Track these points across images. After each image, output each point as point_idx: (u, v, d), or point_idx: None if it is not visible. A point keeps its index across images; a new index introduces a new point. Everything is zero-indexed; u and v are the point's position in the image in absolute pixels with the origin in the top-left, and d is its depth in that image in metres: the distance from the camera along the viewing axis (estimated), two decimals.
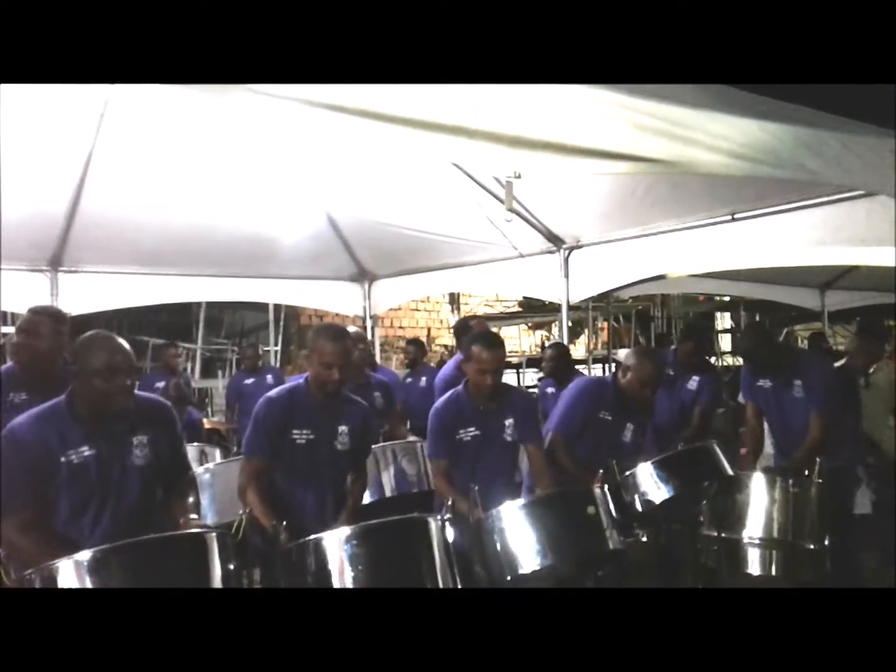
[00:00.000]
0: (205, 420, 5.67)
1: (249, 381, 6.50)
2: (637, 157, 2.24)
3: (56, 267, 5.43)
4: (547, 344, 9.27)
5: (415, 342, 7.18)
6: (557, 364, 5.47)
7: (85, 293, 5.50)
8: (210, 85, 1.93)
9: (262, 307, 10.00)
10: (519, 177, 2.40)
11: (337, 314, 7.58)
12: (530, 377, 10.25)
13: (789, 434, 3.95)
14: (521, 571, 2.61)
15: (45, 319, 3.11)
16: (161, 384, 6.15)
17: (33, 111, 3.65)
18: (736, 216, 4.46)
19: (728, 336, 12.93)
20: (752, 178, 3.19)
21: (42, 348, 3.04)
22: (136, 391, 2.57)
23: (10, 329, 8.05)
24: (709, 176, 3.55)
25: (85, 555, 1.94)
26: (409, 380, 6.53)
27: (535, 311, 11.95)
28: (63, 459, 2.33)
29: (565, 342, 5.91)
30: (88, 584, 1.91)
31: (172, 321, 9.89)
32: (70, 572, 1.92)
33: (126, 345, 2.45)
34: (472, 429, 3.21)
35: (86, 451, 2.36)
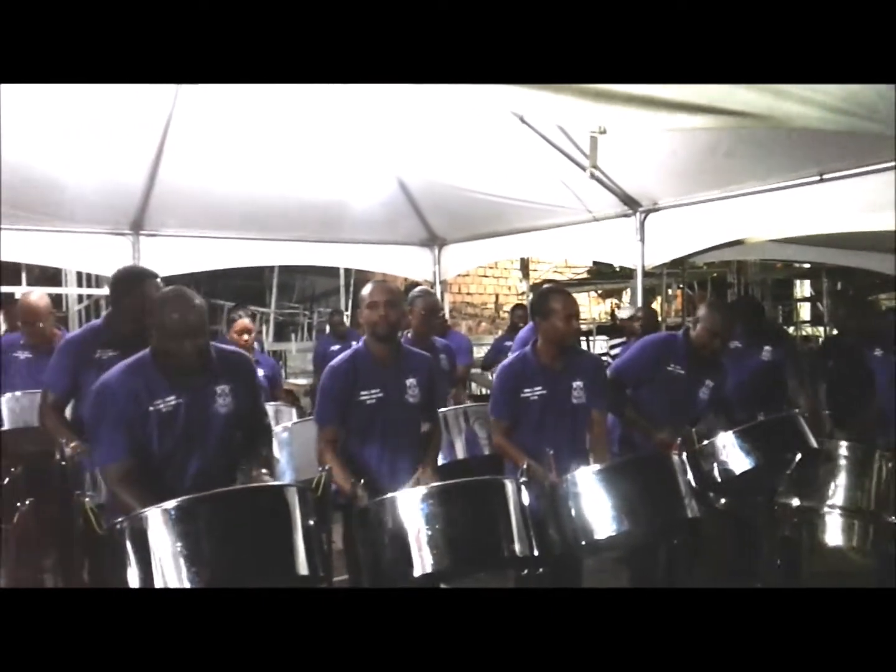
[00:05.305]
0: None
1: (336, 347, 6.60)
2: (727, 110, 2.15)
3: (137, 230, 5.58)
4: (620, 309, 9.15)
5: (521, 307, 7.30)
6: (647, 325, 5.42)
7: (164, 256, 5.63)
8: None
9: (333, 272, 10.12)
10: (604, 132, 2.32)
11: (406, 279, 7.60)
12: (600, 345, 10.11)
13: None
14: (596, 537, 2.59)
15: (144, 279, 3.15)
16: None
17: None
18: (824, 177, 4.26)
19: (808, 305, 12.48)
20: (840, 136, 3.03)
21: (137, 308, 3.09)
22: (214, 343, 2.64)
23: (93, 290, 8.38)
24: (797, 133, 3.40)
25: (171, 504, 1.99)
26: (506, 343, 6.60)
27: (604, 277, 11.74)
28: (151, 409, 2.40)
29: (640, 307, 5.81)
30: (175, 533, 1.96)
31: (247, 285, 10.11)
32: (158, 521, 1.98)
33: (198, 301, 2.47)
34: (538, 388, 3.17)
35: (172, 399, 2.43)
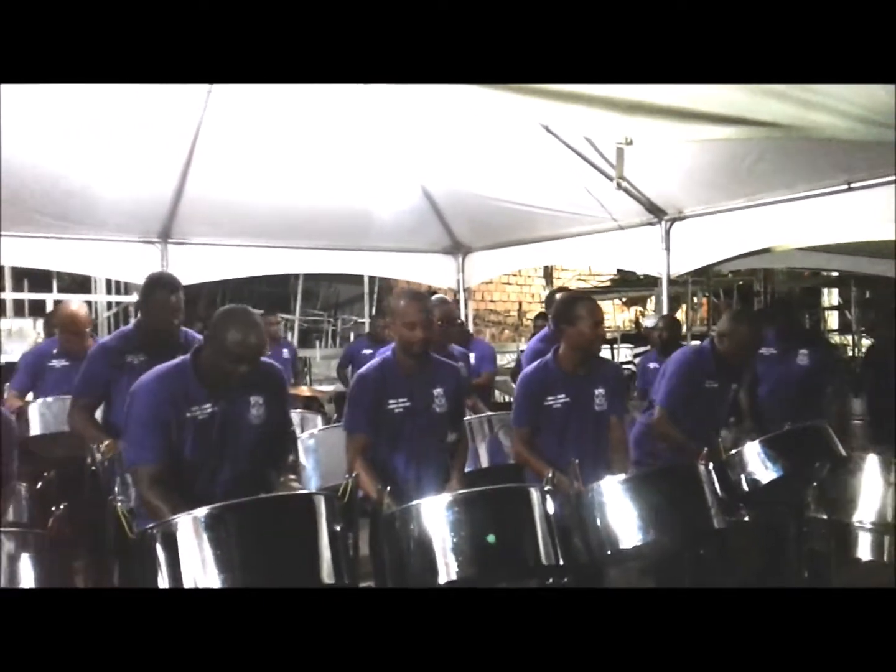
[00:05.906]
0: (304, 388, 5.83)
1: (368, 351, 6.60)
2: (755, 121, 2.15)
3: (166, 239, 5.67)
4: (644, 316, 9.12)
5: (544, 315, 7.26)
6: (670, 335, 5.38)
7: (192, 264, 5.72)
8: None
9: (358, 280, 10.18)
10: (631, 143, 2.33)
11: (430, 287, 7.63)
12: (624, 353, 10.07)
13: None
14: (621, 546, 2.58)
15: (171, 287, 3.22)
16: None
17: (143, 90, 3.79)
18: (852, 185, 4.23)
19: (835, 313, 12.33)
20: (868, 145, 3.02)
21: (168, 315, 3.16)
22: None
23: (122, 298, 8.49)
24: (825, 142, 3.37)
25: (202, 511, 2.01)
26: None
27: (629, 285, 11.70)
28: (188, 415, 2.42)
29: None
30: (205, 539, 1.98)
31: (272, 292, 10.20)
32: (188, 528, 2.00)
33: (261, 324, 2.47)
34: (561, 395, 3.15)
35: (209, 408, 2.45)
